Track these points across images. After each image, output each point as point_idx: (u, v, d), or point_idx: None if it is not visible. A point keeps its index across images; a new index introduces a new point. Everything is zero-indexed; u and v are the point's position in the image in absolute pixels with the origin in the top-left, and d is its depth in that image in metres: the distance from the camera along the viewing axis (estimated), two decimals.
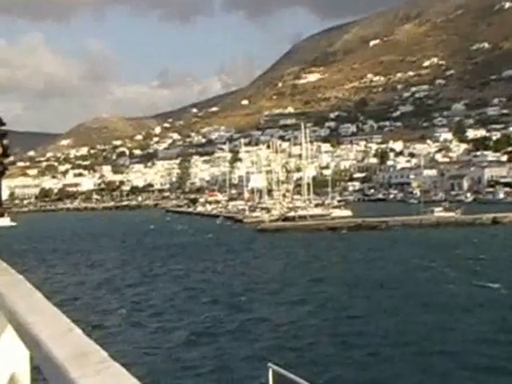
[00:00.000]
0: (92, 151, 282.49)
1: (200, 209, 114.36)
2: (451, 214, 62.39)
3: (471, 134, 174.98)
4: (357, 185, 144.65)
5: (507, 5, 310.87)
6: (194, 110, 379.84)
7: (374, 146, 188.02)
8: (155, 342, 18.80)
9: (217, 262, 39.31)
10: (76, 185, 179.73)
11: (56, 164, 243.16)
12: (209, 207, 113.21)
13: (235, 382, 14.67)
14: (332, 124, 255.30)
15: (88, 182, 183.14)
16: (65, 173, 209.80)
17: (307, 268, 35.02)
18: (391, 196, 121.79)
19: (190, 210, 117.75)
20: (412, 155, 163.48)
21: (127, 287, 30.04)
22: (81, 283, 31.83)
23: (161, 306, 24.61)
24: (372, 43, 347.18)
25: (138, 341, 18.84)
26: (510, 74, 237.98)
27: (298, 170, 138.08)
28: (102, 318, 22.60)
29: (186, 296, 26.99)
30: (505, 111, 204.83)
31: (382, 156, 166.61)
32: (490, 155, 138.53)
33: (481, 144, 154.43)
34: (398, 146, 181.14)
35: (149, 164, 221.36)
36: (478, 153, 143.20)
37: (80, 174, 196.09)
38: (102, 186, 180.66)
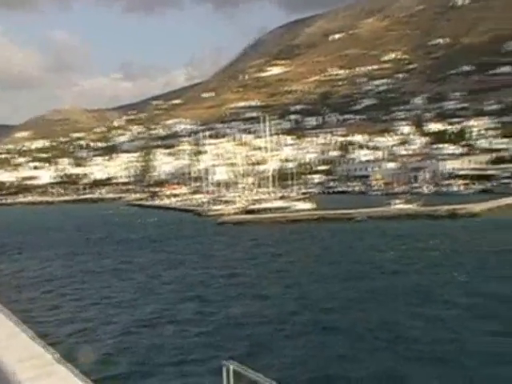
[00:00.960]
0: (52, 144, 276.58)
1: (162, 202, 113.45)
2: (410, 205, 63.09)
3: (431, 127, 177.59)
4: (319, 177, 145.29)
5: (464, 2, 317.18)
6: (158, 102, 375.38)
7: (336, 139, 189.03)
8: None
9: (172, 253, 39.02)
10: (34, 178, 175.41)
11: (14, 156, 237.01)
12: (171, 200, 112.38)
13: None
14: (296, 117, 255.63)
15: (46, 175, 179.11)
16: (20, 165, 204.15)
17: (259, 260, 34.73)
18: (353, 188, 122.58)
19: (152, 203, 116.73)
20: (374, 148, 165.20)
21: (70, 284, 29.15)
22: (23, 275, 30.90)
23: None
24: (335, 37, 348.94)
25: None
26: (469, 68, 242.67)
27: (262, 162, 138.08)
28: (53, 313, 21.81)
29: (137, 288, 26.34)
30: (463, 105, 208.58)
31: (345, 149, 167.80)
32: (448, 148, 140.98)
33: (440, 137, 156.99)
34: (360, 138, 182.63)
35: (111, 157, 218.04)
36: (437, 146, 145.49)
37: (37, 167, 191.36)
38: (62, 179, 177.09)
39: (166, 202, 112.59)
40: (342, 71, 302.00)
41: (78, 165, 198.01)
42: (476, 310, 20.02)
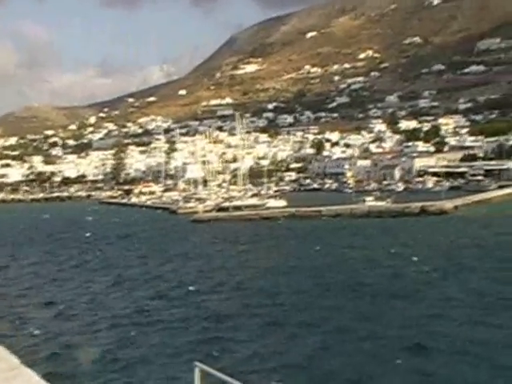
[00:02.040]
0: (22, 141, 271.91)
1: (134, 200, 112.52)
2: (382, 203, 63.53)
3: (403, 125, 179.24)
4: (293, 175, 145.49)
5: (435, 1, 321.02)
6: (131, 100, 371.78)
7: (310, 137, 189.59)
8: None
9: (139, 250, 38.60)
10: (2, 176, 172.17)
11: None
12: (143, 198, 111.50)
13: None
14: (270, 115, 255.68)
15: (16, 173, 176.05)
16: None
17: (228, 257, 34.47)
18: (326, 186, 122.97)
19: (124, 201, 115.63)
20: (347, 146, 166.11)
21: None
22: None
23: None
24: (309, 35, 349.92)
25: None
26: (440, 67, 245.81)
27: (235, 160, 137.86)
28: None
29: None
30: (434, 103, 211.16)
31: (318, 147, 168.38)
32: (420, 146, 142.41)
33: (412, 135, 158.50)
34: (334, 136, 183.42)
35: (82, 154, 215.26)
36: (410, 143, 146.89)
37: (7, 165, 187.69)
38: (32, 177, 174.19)
39: (139, 199, 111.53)
40: (316, 69, 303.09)
41: (49, 163, 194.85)
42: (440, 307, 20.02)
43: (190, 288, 24.60)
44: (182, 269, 30.60)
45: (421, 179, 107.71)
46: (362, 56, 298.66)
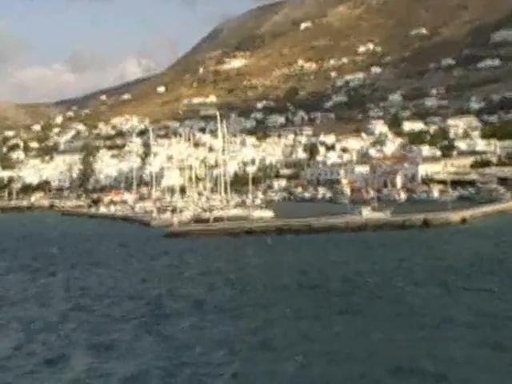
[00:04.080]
0: None
1: (103, 210, 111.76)
2: (380, 214, 62.88)
3: (407, 126, 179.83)
4: (283, 182, 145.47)
5: None
6: (103, 98, 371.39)
7: (303, 140, 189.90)
8: None
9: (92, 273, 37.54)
10: None
11: None
12: (113, 208, 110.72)
13: None
14: (258, 115, 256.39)
15: None
16: None
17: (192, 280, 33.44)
18: (320, 195, 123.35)
19: (92, 211, 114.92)
20: (344, 150, 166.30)
21: None
22: None
23: None
24: (303, 26, 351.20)
25: None
26: (449, 62, 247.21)
27: (218, 165, 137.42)
28: None
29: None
30: (443, 102, 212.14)
31: (312, 151, 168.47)
32: (426, 150, 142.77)
33: (417, 138, 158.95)
34: (329, 139, 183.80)
35: (47, 158, 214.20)
36: (414, 147, 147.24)
37: None
38: None
39: (108, 210, 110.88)
40: (310, 64, 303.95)
41: (8, 167, 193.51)
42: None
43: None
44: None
45: (425, 188, 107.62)
46: (361, 49, 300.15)
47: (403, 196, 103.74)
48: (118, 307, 26.61)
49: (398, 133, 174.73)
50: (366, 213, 62.97)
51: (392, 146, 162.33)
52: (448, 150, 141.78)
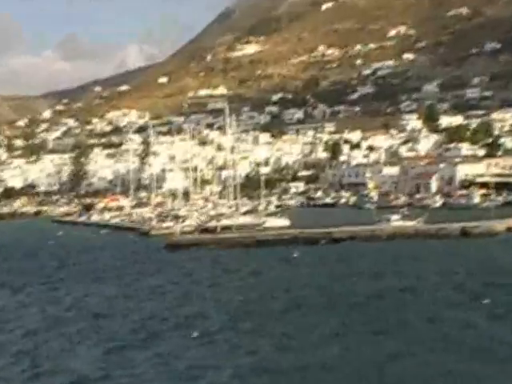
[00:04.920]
0: None
1: (96, 218, 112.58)
2: (411, 222, 62.92)
3: (445, 121, 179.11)
4: (301, 186, 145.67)
5: None
6: (98, 89, 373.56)
7: (324, 137, 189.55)
8: None
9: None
10: None
11: None
12: (108, 216, 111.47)
13: None
14: (274, 109, 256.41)
15: None
16: None
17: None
18: (343, 200, 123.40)
19: (83, 219, 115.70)
20: (371, 149, 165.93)
21: None
22: None
23: None
24: (324, 6, 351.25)
25: None
26: (494, 47, 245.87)
27: (228, 166, 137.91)
28: None
29: None
30: (486, 93, 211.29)
31: (334, 150, 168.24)
32: (466, 148, 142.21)
33: (456, 134, 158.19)
34: (354, 136, 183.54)
35: (33, 158, 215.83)
36: (452, 145, 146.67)
37: None
38: None
39: (102, 217, 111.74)
40: (332, 51, 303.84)
41: None
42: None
43: None
44: None
45: (465, 192, 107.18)
46: (391, 33, 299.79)
47: (439, 201, 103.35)
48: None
49: (434, 129, 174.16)
50: (395, 221, 63.08)
51: (426, 143, 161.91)
52: (492, 149, 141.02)
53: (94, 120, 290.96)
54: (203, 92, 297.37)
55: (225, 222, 76.96)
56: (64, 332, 26.89)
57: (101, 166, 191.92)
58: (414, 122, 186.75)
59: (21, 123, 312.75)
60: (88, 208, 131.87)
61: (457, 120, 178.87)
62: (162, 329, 26.61)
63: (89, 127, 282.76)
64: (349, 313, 27.93)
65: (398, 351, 21.26)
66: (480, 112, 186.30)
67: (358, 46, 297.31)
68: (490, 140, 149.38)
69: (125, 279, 42.90)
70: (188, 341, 24.25)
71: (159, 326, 27.08)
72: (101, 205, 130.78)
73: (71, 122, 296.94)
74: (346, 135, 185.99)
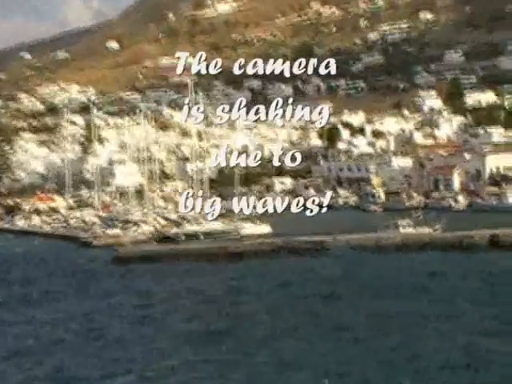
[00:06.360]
0: None
1: (26, 223, 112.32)
2: (427, 229, 63.24)
3: (471, 99, 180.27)
4: (288, 181, 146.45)
5: None
6: (28, 57, 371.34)
7: (319, 120, 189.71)
8: None
9: None
10: None
11: None
12: (37, 220, 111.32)
13: None
14: (255, 83, 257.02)
15: None
16: None
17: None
18: (341, 200, 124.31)
19: (9, 224, 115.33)
20: (378, 134, 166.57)
21: None
22: None
23: None
24: None
25: None
26: None
27: (196, 157, 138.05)
28: None
29: None
30: None
31: (331, 136, 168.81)
32: (497, 134, 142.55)
33: (486, 116, 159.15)
34: (356, 119, 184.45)
35: None
36: (480, 130, 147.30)
37: None
38: None
39: (30, 222, 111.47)
40: (330, 9, 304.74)
41: None
42: None
43: None
44: None
45: (496, 190, 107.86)
46: None
47: (462, 202, 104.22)
48: None
49: (458, 109, 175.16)
50: (405, 227, 63.38)
51: (448, 128, 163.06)
52: None
53: (22, 96, 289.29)
54: (164, 61, 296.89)
55: (190, 228, 77.62)
56: None
57: (30, 156, 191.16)
58: (432, 100, 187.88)
59: None
60: (15, 209, 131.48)
61: (487, 98, 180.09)
62: None
63: (14, 105, 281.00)
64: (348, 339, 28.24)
65: None
66: None
67: (362, 4, 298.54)
68: None
69: (60, 304, 42.74)
70: None
71: None
72: (29, 206, 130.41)
73: None
74: (346, 118, 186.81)
